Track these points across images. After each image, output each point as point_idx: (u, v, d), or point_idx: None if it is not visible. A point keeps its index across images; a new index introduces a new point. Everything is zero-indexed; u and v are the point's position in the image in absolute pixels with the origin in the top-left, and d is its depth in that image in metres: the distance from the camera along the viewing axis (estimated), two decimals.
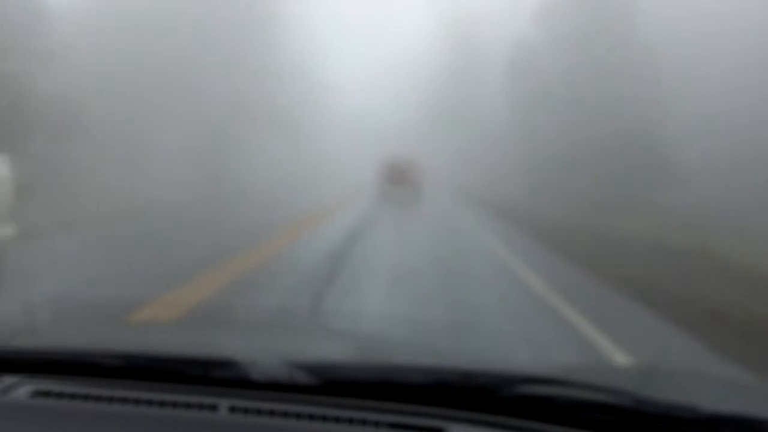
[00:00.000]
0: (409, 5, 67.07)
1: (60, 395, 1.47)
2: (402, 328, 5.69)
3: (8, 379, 1.54)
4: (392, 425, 1.35)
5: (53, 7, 21.46)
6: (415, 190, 28.56)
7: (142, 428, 1.37)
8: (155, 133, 27.32)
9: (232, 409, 1.39)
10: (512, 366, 1.76)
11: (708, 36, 23.81)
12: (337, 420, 1.36)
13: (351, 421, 1.35)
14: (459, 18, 47.28)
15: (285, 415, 1.38)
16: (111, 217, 14.98)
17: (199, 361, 1.58)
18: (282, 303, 6.93)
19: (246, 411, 1.39)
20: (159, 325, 5.04)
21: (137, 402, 1.43)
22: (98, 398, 1.45)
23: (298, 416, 1.37)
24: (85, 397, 1.45)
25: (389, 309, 6.86)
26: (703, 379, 1.90)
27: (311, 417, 1.36)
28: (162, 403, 1.42)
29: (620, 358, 5.21)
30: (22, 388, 1.50)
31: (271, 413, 1.38)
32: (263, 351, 1.66)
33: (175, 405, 1.41)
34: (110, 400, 1.44)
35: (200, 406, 1.40)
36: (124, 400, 1.43)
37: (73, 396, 1.46)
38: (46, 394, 1.48)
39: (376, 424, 1.35)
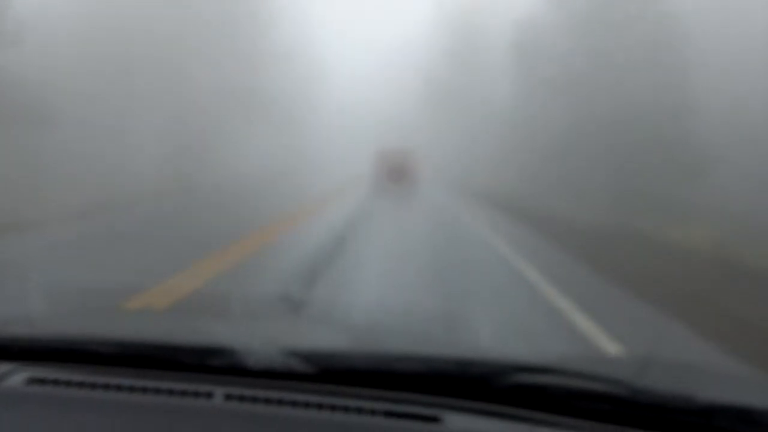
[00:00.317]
0: None
1: (55, 382, 1.47)
2: (397, 318, 5.68)
3: (3, 367, 1.54)
4: (388, 413, 1.35)
5: None
6: (413, 185, 26.82)
7: (138, 415, 1.37)
8: (131, 122, 25.79)
9: (228, 397, 1.39)
10: (507, 355, 1.76)
11: (745, 10, 21.41)
12: (333, 408, 1.35)
13: (346, 409, 1.35)
14: (459, 1, 44.40)
15: (280, 402, 1.38)
16: (66, 216, 13.26)
17: (195, 348, 1.58)
18: (278, 292, 6.92)
19: (241, 399, 1.39)
20: (155, 313, 5.04)
21: (132, 389, 1.43)
22: (94, 385, 1.45)
23: (294, 404, 1.37)
24: (81, 385, 1.45)
25: (383, 299, 6.87)
26: (698, 369, 1.90)
27: (307, 405, 1.36)
28: (157, 391, 1.42)
29: None
30: (17, 376, 1.50)
31: (267, 401, 1.38)
32: (259, 339, 1.66)
33: (170, 392, 1.41)
34: (106, 387, 1.44)
35: (196, 394, 1.40)
36: (119, 388, 1.43)
37: (68, 383, 1.46)
38: (42, 381, 1.48)
39: (372, 412, 1.35)
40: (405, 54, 61.46)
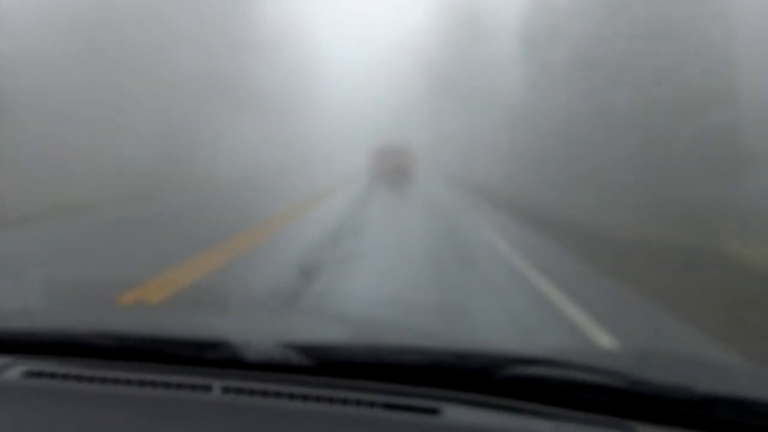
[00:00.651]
0: None
1: (53, 375, 1.47)
2: (396, 311, 5.69)
3: (1, 360, 1.54)
4: (387, 405, 1.35)
5: None
6: (412, 186, 24.67)
7: (135, 408, 1.36)
8: (108, 114, 23.41)
9: (226, 390, 1.39)
10: (507, 347, 1.76)
11: None
12: (331, 400, 1.35)
13: (345, 401, 1.35)
14: None
15: (278, 395, 1.37)
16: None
17: (193, 342, 1.58)
18: (275, 285, 6.92)
19: (239, 391, 1.39)
20: (152, 306, 5.05)
21: (129, 382, 1.42)
22: (91, 379, 1.44)
23: (292, 396, 1.37)
24: (78, 378, 1.45)
25: (383, 292, 6.86)
26: (696, 361, 1.90)
27: (305, 397, 1.36)
28: (154, 384, 1.42)
29: None
30: (14, 369, 1.50)
31: (265, 393, 1.38)
32: (257, 332, 1.66)
33: (168, 385, 1.41)
34: (103, 380, 1.44)
35: (193, 387, 1.40)
36: (116, 381, 1.43)
37: (65, 376, 1.46)
38: (39, 374, 1.47)
39: (371, 404, 1.35)
40: (404, 43, 59.20)
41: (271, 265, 8.12)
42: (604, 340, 4.97)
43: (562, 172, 20.55)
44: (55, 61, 22.19)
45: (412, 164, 29.73)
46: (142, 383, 1.42)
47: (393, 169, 28.34)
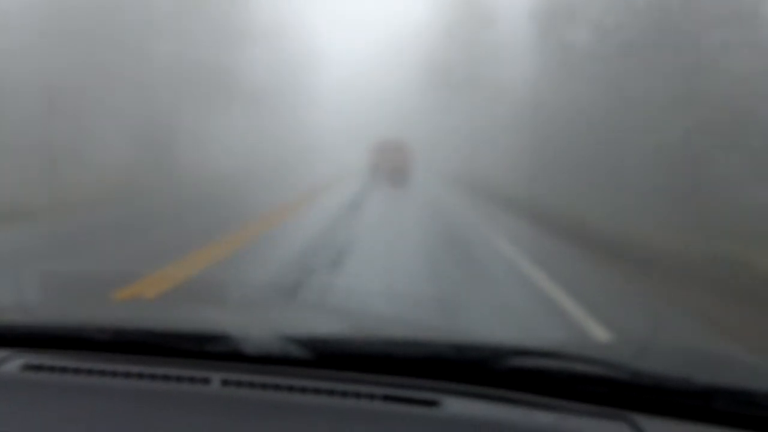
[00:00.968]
0: None
1: (51, 369, 1.47)
2: (395, 304, 5.69)
3: None
4: (386, 397, 1.35)
5: None
6: (411, 186, 23.43)
7: (134, 401, 1.36)
8: (85, 107, 21.76)
9: (225, 383, 1.39)
10: (506, 339, 1.76)
11: None
12: (331, 393, 1.35)
13: (344, 393, 1.35)
14: None
15: (277, 388, 1.37)
16: None
17: (192, 335, 1.58)
18: (275, 279, 6.93)
19: (238, 384, 1.39)
20: (151, 300, 5.05)
21: (128, 375, 1.42)
22: (89, 372, 1.45)
23: (291, 389, 1.37)
24: (76, 371, 1.45)
25: (382, 286, 6.87)
26: (696, 352, 1.90)
27: (304, 390, 1.36)
28: (153, 377, 1.41)
29: None
30: (13, 362, 1.50)
31: (264, 386, 1.38)
32: (256, 325, 1.66)
33: (166, 378, 1.41)
34: (101, 373, 1.44)
35: (192, 380, 1.40)
36: (114, 374, 1.43)
37: (64, 369, 1.46)
38: (37, 367, 1.48)
39: (370, 396, 1.35)
40: (403, 33, 56.80)
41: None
42: None
43: (580, 173, 18.05)
44: (29, 50, 20.82)
45: (411, 161, 29.08)
46: (140, 376, 1.42)
47: (391, 167, 27.70)
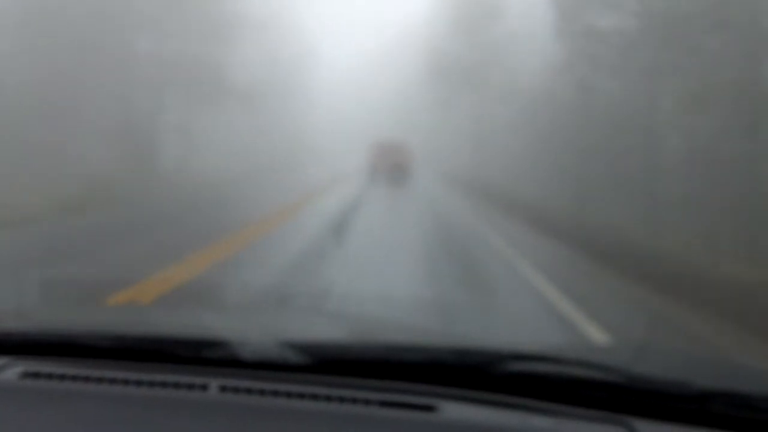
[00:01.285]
0: None
1: (49, 376, 1.47)
2: (392, 308, 5.69)
3: None
4: (383, 403, 1.35)
5: None
6: (412, 192, 21.45)
7: (132, 408, 1.36)
8: (62, 107, 20.33)
9: (223, 389, 1.39)
10: (503, 343, 1.76)
11: None
12: (328, 398, 1.36)
13: (342, 399, 1.35)
14: None
15: (275, 394, 1.38)
16: None
17: (190, 341, 1.58)
18: (272, 283, 6.92)
19: (236, 390, 1.39)
20: (149, 305, 5.05)
21: (127, 382, 1.43)
22: (87, 379, 1.45)
23: (289, 395, 1.37)
24: (75, 378, 1.45)
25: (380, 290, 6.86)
26: (693, 356, 1.91)
27: (302, 396, 1.36)
28: (152, 383, 1.42)
29: None
30: (11, 370, 1.50)
31: (262, 392, 1.38)
32: (254, 330, 1.66)
33: (164, 385, 1.41)
34: (99, 380, 1.44)
35: (190, 386, 1.40)
36: (113, 381, 1.43)
37: (62, 377, 1.46)
38: (36, 375, 1.47)
39: (367, 402, 1.35)
40: (405, 24, 54.13)
41: None
42: None
43: (601, 177, 15.79)
44: (4, 47, 19.79)
45: (411, 163, 28.24)
46: (139, 383, 1.42)
47: (391, 168, 26.94)
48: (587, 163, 17.17)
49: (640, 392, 1.36)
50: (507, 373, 1.40)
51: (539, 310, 6.34)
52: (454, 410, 1.34)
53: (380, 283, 7.35)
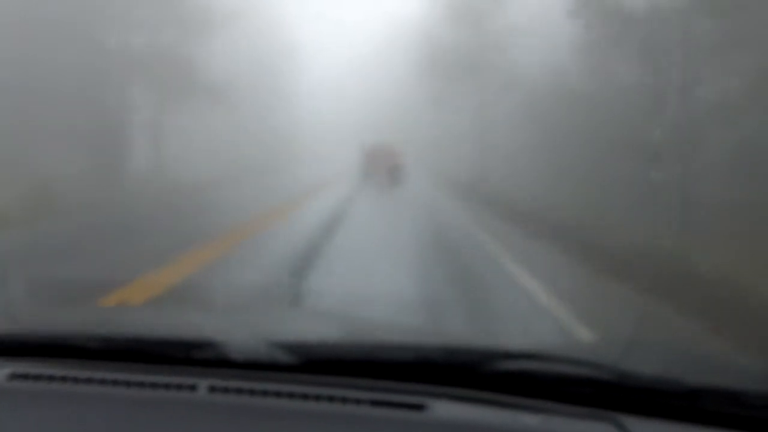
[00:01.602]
0: None
1: (38, 377, 1.46)
2: (382, 307, 5.69)
3: None
4: (373, 402, 1.35)
5: None
6: (407, 201, 19.08)
7: (122, 409, 1.36)
8: (15, 111, 18.77)
9: (212, 389, 1.39)
10: (493, 342, 1.77)
11: None
12: (318, 398, 1.36)
13: (331, 398, 1.35)
14: None
15: (265, 393, 1.38)
16: None
17: (179, 341, 1.58)
18: (261, 283, 6.91)
19: (226, 390, 1.39)
20: (137, 306, 5.03)
21: (116, 383, 1.42)
22: (76, 380, 1.44)
23: (278, 395, 1.37)
24: (63, 379, 1.45)
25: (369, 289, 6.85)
26: (682, 351, 1.92)
27: (291, 395, 1.36)
28: (141, 384, 1.41)
29: None
30: None
31: (251, 392, 1.38)
32: (243, 330, 1.66)
33: (154, 385, 1.41)
34: (89, 381, 1.43)
35: (179, 387, 1.40)
36: (102, 382, 1.43)
37: (51, 378, 1.45)
38: (25, 376, 1.47)
39: (357, 401, 1.35)
40: (398, 16, 51.45)
41: None
42: None
43: (624, 180, 13.58)
44: None
45: (404, 164, 27.24)
46: (128, 384, 1.42)
47: (382, 171, 26.04)
48: (607, 164, 14.69)
49: (629, 389, 1.36)
50: (496, 372, 1.41)
51: None
52: (443, 409, 1.34)
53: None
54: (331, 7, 62.57)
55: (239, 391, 1.39)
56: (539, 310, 6.28)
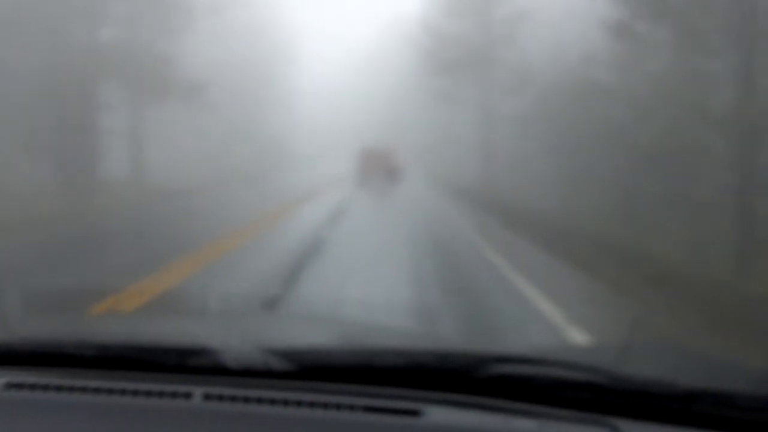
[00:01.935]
0: None
1: (33, 387, 1.46)
2: (376, 313, 5.68)
3: None
4: (367, 408, 1.35)
5: None
6: (406, 212, 16.84)
7: (117, 418, 1.36)
8: None
9: (207, 397, 1.39)
10: (487, 346, 1.77)
11: None
12: (312, 405, 1.36)
13: (326, 405, 1.35)
14: None
15: (259, 401, 1.38)
16: None
17: (173, 349, 1.58)
18: (256, 290, 6.89)
19: (220, 398, 1.39)
20: (131, 314, 5.02)
21: (111, 392, 1.42)
22: (71, 389, 1.44)
23: (273, 402, 1.37)
24: (58, 388, 1.44)
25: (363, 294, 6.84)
26: (677, 354, 1.92)
27: (286, 402, 1.36)
28: (136, 392, 1.41)
29: None
30: None
31: (246, 399, 1.38)
32: (237, 337, 1.66)
33: (148, 394, 1.41)
34: (83, 390, 1.43)
35: (174, 395, 1.40)
36: (97, 390, 1.43)
37: (46, 387, 1.45)
38: (20, 386, 1.47)
39: (351, 407, 1.35)
40: (396, 12, 49.74)
41: None
42: None
43: (664, 190, 11.81)
44: None
45: (402, 168, 26.57)
46: (123, 392, 1.42)
47: (380, 175, 25.12)
48: (641, 171, 12.49)
49: (624, 392, 1.36)
50: (491, 376, 1.41)
51: None
52: (438, 414, 1.34)
53: None
54: (329, 4, 61.91)
55: (234, 398, 1.39)
56: None
